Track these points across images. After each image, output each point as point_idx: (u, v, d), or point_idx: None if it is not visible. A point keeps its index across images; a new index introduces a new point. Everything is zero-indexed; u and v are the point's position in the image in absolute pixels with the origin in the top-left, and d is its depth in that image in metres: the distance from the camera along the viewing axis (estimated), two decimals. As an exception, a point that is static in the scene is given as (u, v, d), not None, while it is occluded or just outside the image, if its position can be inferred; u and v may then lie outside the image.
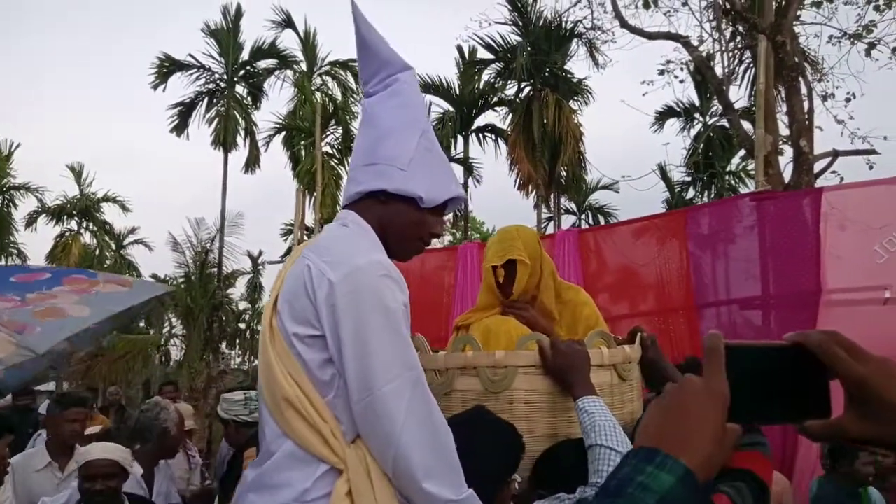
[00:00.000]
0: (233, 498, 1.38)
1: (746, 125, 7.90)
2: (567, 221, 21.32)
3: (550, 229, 17.79)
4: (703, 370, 0.58)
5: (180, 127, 20.41)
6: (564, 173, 18.16)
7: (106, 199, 23.73)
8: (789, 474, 3.34)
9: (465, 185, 21.03)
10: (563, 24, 14.71)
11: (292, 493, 1.17)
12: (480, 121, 20.66)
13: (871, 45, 8.11)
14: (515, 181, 17.96)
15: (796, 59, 6.92)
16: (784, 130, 7.07)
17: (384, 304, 1.19)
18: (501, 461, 1.31)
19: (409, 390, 1.17)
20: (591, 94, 18.33)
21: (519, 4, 17.39)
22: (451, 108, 20.23)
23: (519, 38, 17.88)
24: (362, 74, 1.45)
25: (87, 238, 24.09)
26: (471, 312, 1.79)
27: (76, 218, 23.75)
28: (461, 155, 20.86)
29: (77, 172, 23.68)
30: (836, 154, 7.07)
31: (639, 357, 1.61)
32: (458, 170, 21.17)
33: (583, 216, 22.11)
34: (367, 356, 1.16)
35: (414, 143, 1.37)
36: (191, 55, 20.30)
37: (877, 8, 8.00)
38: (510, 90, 19.07)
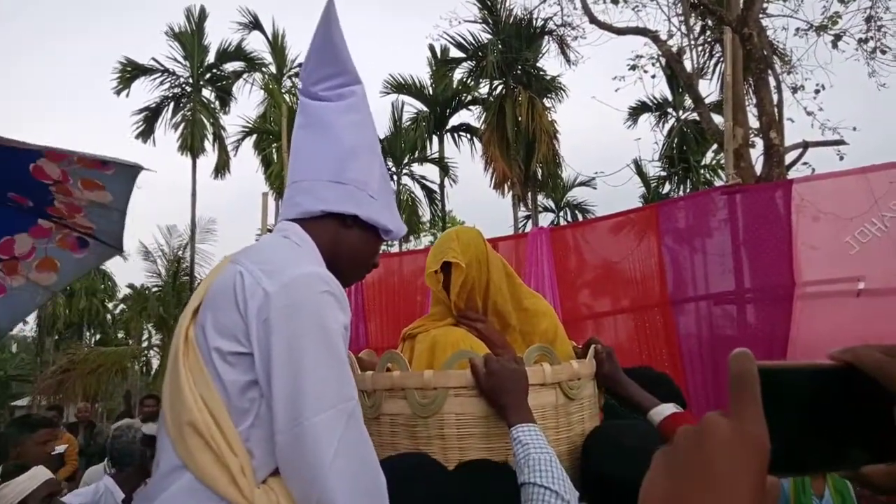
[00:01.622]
0: None
1: (718, 119, 7.91)
2: (546, 219, 21.33)
3: (529, 227, 17.74)
4: (733, 406, 0.42)
5: (146, 133, 19.92)
6: (540, 171, 18.12)
7: (75, 208, 23.14)
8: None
9: (441, 185, 20.95)
10: (534, 21, 14.67)
11: None
12: (455, 120, 20.61)
13: (838, 37, 8.18)
14: (491, 180, 17.90)
15: (764, 52, 6.91)
16: (754, 123, 7.07)
17: (323, 323, 1.04)
18: None
19: (343, 423, 1.01)
20: (564, 91, 18.32)
21: (489, 2, 17.31)
22: (425, 108, 20.12)
23: (490, 36, 17.81)
24: (313, 73, 1.31)
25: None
26: (423, 321, 1.64)
27: (44, 228, 23.13)
28: (436, 155, 20.74)
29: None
30: (806, 145, 7.09)
31: (592, 372, 1.46)
32: (434, 170, 21.10)
33: (561, 213, 22.11)
34: (299, 380, 1.00)
35: (378, 171, 1.31)
36: (154, 59, 19.87)
37: (841, 0, 8.06)
38: (483, 89, 19.02)
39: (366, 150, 1.30)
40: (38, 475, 2.27)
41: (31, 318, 28.19)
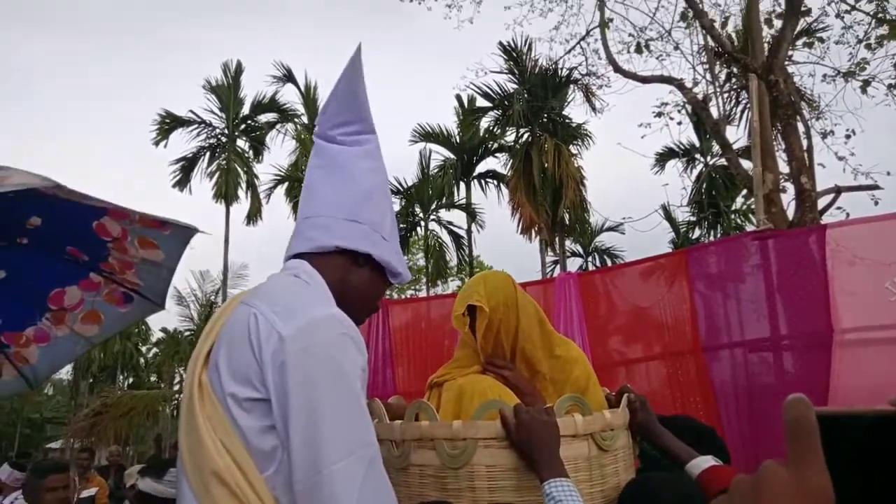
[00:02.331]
0: None
1: (747, 164, 7.87)
2: (574, 264, 21.22)
3: (557, 272, 17.63)
4: (792, 456, 0.39)
5: (183, 182, 20.62)
6: (567, 216, 18.15)
7: (111, 254, 23.78)
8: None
9: (469, 231, 21.09)
10: (559, 70, 14.93)
11: None
12: (482, 167, 20.88)
13: (866, 83, 8.14)
14: (518, 225, 17.97)
15: (791, 98, 6.91)
16: (785, 168, 7.02)
17: (340, 367, 1.02)
18: None
19: (363, 471, 0.99)
20: (590, 138, 18.51)
21: (514, 54, 17.74)
22: (453, 156, 20.45)
23: (515, 86, 18.18)
24: (332, 118, 1.33)
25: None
26: (449, 368, 1.62)
27: (81, 274, 23.76)
28: (464, 201, 20.95)
29: (83, 229, 23.81)
30: (838, 190, 7.00)
31: (625, 422, 1.42)
32: (462, 216, 21.29)
33: (589, 258, 22.00)
34: (316, 427, 0.98)
35: (389, 215, 1.34)
36: (192, 111, 20.75)
37: (868, 46, 8.07)
38: (509, 136, 19.31)
39: (380, 193, 1.32)
40: None
41: (66, 362, 28.74)
